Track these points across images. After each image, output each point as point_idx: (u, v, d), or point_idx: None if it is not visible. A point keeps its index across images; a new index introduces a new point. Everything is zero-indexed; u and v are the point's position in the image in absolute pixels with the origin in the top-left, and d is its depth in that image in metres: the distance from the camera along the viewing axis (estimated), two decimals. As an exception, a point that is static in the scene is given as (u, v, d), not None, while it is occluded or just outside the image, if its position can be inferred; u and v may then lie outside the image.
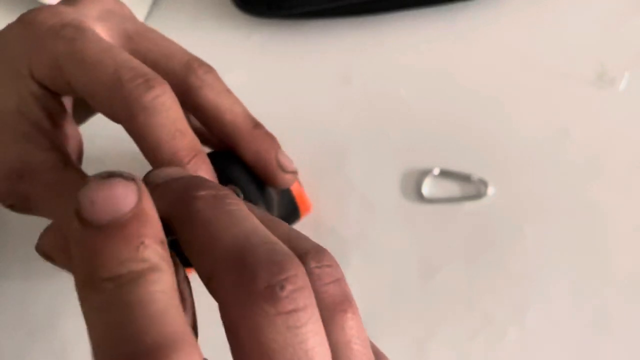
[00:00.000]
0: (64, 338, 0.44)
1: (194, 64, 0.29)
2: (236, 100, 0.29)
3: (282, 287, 0.17)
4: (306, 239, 0.20)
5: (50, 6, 0.28)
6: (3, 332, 0.45)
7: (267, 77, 0.47)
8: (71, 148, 0.28)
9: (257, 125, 0.30)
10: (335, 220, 0.44)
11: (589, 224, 0.44)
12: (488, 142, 0.45)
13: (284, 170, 0.28)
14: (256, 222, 0.19)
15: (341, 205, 0.45)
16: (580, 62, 0.45)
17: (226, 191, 0.19)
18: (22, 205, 0.28)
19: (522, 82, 0.46)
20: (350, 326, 0.18)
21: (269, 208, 0.26)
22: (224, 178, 0.25)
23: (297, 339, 0.16)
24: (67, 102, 0.30)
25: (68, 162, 0.27)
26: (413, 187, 0.45)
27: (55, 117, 0.28)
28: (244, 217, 0.19)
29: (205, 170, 0.25)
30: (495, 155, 0.45)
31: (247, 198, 0.25)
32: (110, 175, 0.17)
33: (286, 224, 0.21)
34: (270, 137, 0.30)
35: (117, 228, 0.17)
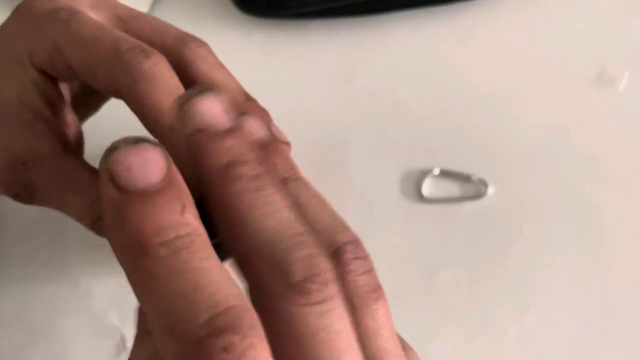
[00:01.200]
0: (63, 338, 0.44)
1: (186, 38, 0.29)
2: (229, 74, 0.30)
3: (313, 282, 0.17)
4: (343, 229, 0.20)
5: None
6: (3, 332, 0.45)
7: (267, 77, 0.47)
8: (72, 136, 0.28)
9: (249, 98, 0.30)
10: (335, 220, 0.44)
11: (588, 224, 0.44)
12: (488, 142, 0.45)
13: (277, 140, 0.28)
14: (292, 212, 0.19)
15: (341, 205, 0.45)
16: (580, 62, 0.45)
17: (262, 169, 0.19)
18: (27, 194, 0.28)
19: (522, 82, 0.46)
20: (380, 314, 0.19)
21: None
22: None
23: (326, 323, 0.17)
24: (66, 94, 0.30)
25: (71, 149, 0.28)
26: (413, 187, 0.45)
27: (55, 105, 0.28)
28: (283, 205, 0.19)
29: None
30: (495, 155, 0.45)
31: None
32: (137, 141, 0.17)
33: (330, 207, 0.21)
34: (263, 110, 0.30)
35: (159, 192, 0.17)
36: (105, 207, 0.17)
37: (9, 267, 0.45)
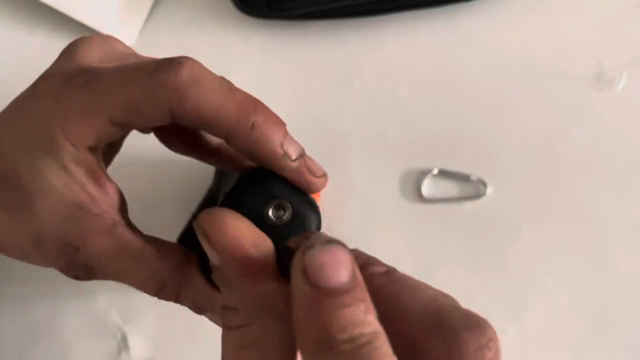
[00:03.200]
0: (65, 338, 0.44)
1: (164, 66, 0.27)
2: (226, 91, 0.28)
3: (490, 349, 0.19)
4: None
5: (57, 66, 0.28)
6: (4, 332, 0.45)
7: (267, 78, 0.47)
8: (115, 202, 0.27)
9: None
10: (335, 219, 0.45)
11: (587, 223, 0.44)
12: (487, 142, 0.45)
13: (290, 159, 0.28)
14: (432, 289, 0.21)
15: (341, 204, 0.45)
16: (579, 63, 0.46)
17: (390, 267, 0.21)
18: (85, 274, 0.27)
19: (521, 82, 0.46)
20: None
21: (318, 217, 0.27)
22: (267, 194, 0.26)
23: None
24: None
25: (118, 222, 0.27)
26: (412, 187, 0.45)
27: (97, 176, 0.27)
28: (422, 285, 0.20)
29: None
30: (494, 155, 0.45)
31: (296, 210, 0.26)
32: (329, 242, 0.18)
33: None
34: (279, 122, 0.29)
35: (347, 292, 0.18)
36: (296, 299, 0.18)
37: (10, 266, 0.45)
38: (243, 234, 0.20)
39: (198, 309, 0.28)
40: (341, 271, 0.18)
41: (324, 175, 0.28)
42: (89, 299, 0.44)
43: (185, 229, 0.42)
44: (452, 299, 0.21)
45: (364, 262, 0.21)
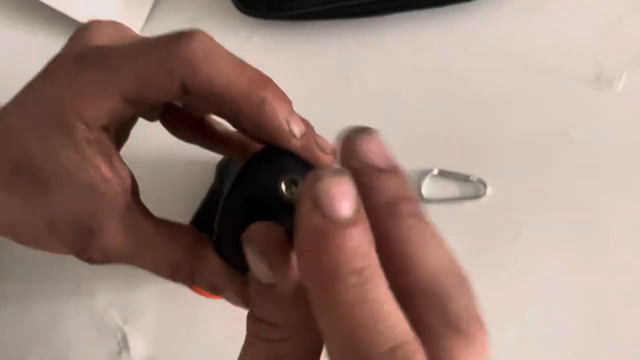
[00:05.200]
0: (65, 338, 0.44)
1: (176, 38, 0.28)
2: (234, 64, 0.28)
3: (470, 324, 0.19)
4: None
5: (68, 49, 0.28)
6: (4, 332, 0.45)
7: (267, 78, 0.47)
8: (127, 185, 0.27)
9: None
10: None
11: (586, 224, 0.44)
12: (486, 142, 0.45)
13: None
14: (447, 256, 0.20)
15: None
16: (579, 63, 0.46)
17: (421, 208, 0.20)
18: (100, 257, 0.27)
19: (520, 83, 0.46)
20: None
21: None
22: (279, 170, 0.25)
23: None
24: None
25: (131, 204, 0.26)
26: (412, 187, 0.45)
27: (110, 156, 0.26)
28: (443, 242, 0.20)
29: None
30: (493, 155, 0.45)
31: None
32: (337, 172, 0.18)
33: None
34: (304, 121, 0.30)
35: (354, 224, 0.17)
36: (304, 230, 0.18)
37: (11, 266, 0.45)
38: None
39: (215, 290, 0.28)
40: (349, 202, 0.18)
41: (334, 151, 0.28)
42: (89, 299, 0.44)
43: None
44: (462, 280, 0.21)
45: (397, 196, 0.20)
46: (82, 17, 0.46)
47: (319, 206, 0.17)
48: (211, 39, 0.25)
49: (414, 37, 0.47)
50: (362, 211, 0.18)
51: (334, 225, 0.17)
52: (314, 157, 0.27)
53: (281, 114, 0.25)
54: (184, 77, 0.25)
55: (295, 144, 0.26)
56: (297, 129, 0.26)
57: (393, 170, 0.20)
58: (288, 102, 0.26)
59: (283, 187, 0.25)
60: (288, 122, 0.26)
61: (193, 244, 0.27)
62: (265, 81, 0.26)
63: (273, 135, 0.26)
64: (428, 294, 0.18)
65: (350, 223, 0.17)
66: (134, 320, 0.44)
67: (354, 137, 0.20)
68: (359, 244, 0.17)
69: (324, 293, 0.18)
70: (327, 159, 0.27)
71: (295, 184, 0.25)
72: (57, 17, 0.47)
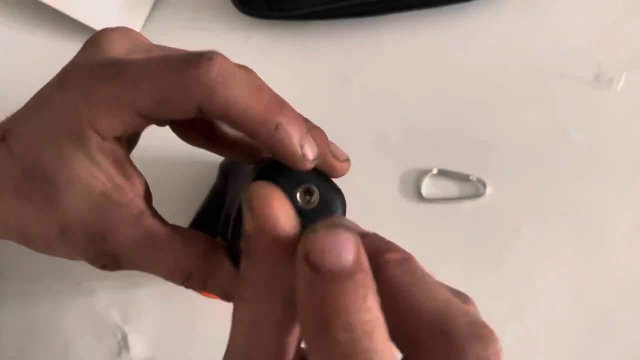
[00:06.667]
0: (65, 337, 0.44)
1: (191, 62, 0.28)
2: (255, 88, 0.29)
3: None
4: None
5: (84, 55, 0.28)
6: (4, 332, 0.45)
7: (267, 79, 0.47)
8: (141, 192, 0.27)
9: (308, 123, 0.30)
10: (335, 220, 0.45)
11: (586, 223, 0.44)
12: (486, 142, 0.45)
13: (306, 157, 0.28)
14: (445, 289, 0.20)
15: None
16: (579, 63, 0.46)
17: (408, 254, 0.20)
18: (113, 264, 0.27)
19: (520, 82, 0.46)
20: None
21: (344, 202, 0.27)
22: (295, 179, 0.26)
23: None
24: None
25: (144, 211, 0.27)
26: (412, 187, 0.45)
27: (123, 166, 0.27)
28: (435, 283, 0.20)
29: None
30: (493, 155, 0.45)
31: (323, 195, 0.26)
32: (334, 225, 0.18)
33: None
34: (322, 133, 0.30)
35: (347, 277, 0.17)
36: (299, 280, 0.18)
37: (11, 266, 0.45)
38: (284, 213, 0.20)
39: (227, 297, 0.28)
40: (342, 255, 0.18)
41: (348, 160, 0.28)
42: (89, 299, 0.44)
43: (190, 227, 0.42)
44: (467, 299, 0.21)
45: (380, 248, 0.20)
46: (83, 17, 0.46)
47: (310, 258, 0.18)
48: (230, 62, 0.26)
49: (414, 37, 0.47)
50: (362, 264, 0.18)
51: (322, 278, 0.17)
52: (330, 166, 0.27)
53: (295, 139, 0.26)
54: (201, 99, 0.25)
55: (310, 167, 0.26)
56: (310, 154, 0.26)
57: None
58: (302, 124, 0.26)
59: (298, 196, 0.26)
60: (302, 147, 0.26)
61: (207, 250, 0.27)
62: (281, 106, 0.26)
63: (287, 160, 0.26)
64: (436, 341, 0.19)
65: (341, 276, 0.17)
66: (134, 320, 0.44)
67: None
68: (351, 298, 0.17)
69: (315, 343, 0.18)
70: (342, 167, 0.28)
71: (311, 193, 0.26)
72: (57, 17, 0.47)
